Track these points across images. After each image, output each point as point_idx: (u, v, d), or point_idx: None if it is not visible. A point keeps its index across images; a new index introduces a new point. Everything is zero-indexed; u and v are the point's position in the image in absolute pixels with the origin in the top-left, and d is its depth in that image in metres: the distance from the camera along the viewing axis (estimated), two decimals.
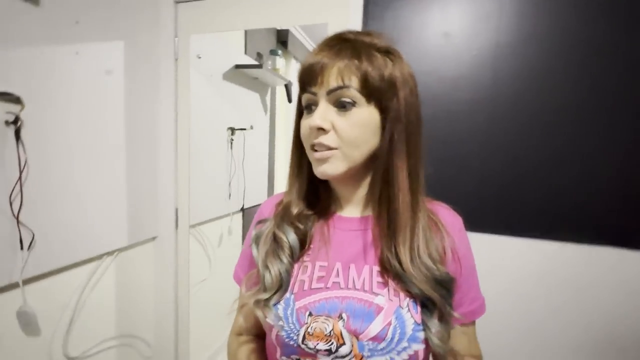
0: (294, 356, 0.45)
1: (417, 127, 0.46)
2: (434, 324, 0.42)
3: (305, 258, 0.48)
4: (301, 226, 0.49)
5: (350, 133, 0.43)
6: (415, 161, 0.46)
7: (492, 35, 0.94)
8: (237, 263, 0.58)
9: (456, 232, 0.49)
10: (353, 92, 0.43)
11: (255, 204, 2.09)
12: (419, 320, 0.43)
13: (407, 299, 0.43)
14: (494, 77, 0.95)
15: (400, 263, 0.43)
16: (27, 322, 0.91)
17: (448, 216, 0.50)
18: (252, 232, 0.52)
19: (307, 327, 0.43)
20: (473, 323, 0.51)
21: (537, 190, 0.93)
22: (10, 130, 0.83)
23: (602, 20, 0.87)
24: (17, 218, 0.85)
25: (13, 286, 0.87)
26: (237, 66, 1.77)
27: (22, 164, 0.86)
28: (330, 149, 0.44)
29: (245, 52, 1.88)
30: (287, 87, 2.22)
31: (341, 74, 0.43)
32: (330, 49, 0.44)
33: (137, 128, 1.21)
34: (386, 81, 0.43)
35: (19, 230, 0.86)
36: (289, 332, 0.44)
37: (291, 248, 0.48)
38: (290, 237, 0.48)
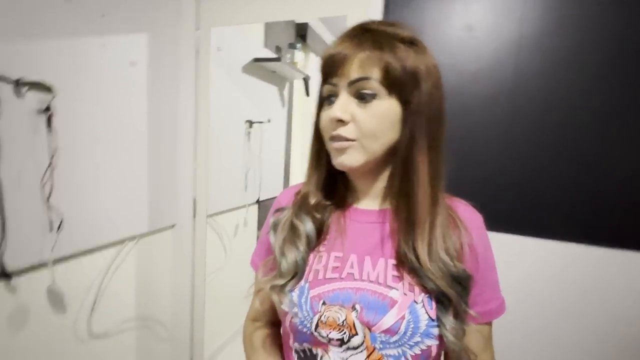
0: (306, 344, 0.46)
1: (439, 121, 0.46)
2: (449, 321, 0.42)
3: (321, 248, 0.49)
4: (318, 216, 0.49)
5: (369, 125, 0.43)
6: (437, 156, 0.45)
7: (515, 28, 0.91)
8: (254, 250, 0.59)
9: (475, 229, 0.48)
10: (374, 83, 0.42)
11: (270, 197, 2.12)
12: (433, 316, 0.42)
13: (422, 294, 0.43)
14: (515, 72, 0.92)
15: (417, 257, 0.43)
16: (56, 300, 0.97)
17: (467, 213, 0.49)
18: (270, 220, 0.53)
19: (321, 316, 0.44)
20: (489, 323, 0.50)
21: (554, 190, 0.91)
22: (42, 118, 0.88)
23: (633, 15, 0.82)
24: (48, 201, 0.90)
25: (43, 265, 0.92)
26: (256, 59, 1.79)
27: (53, 150, 0.90)
28: (349, 140, 0.44)
29: (265, 46, 1.89)
30: (305, 81, 2.22)
31: (362, 65, 0.42)
32: (352, 40, 0.44)
33: (159, 118, 1.25)
34: (408, 73, 0.43)
35: (50, 213, 0.91)
36: (302, 319, 0.45)
37: (308, 237, 0.48)
38: (307, 226, 0.48)
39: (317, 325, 0.44)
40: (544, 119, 0.91)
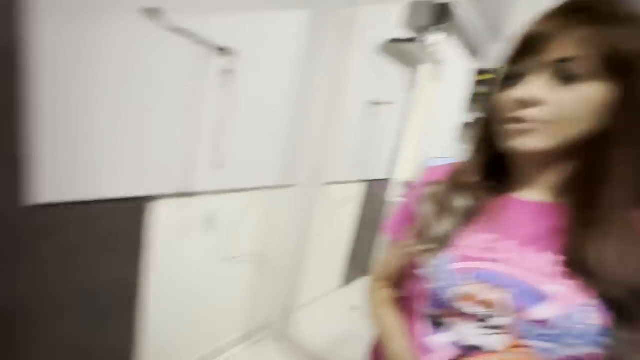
0: (438, 312, 0.48)
1: None
2: (618, 334, 0.38)
3: (473, 226, 0.49)
4: (473, 195, 0.50)
5: (570, 108, 0.40)
6: None
7: None
8: (392, 218, 0.63)
9: None
10: (582, 64, 0.39)
11: (375, 178, 2.15)
12: (599, 324, 0.39)
13: (590, 299, 0.40)
14: None
15: (591, 261, 0.40)
16: (208, 223, 1.23)
17: None
18: (421, 191, 0.56)
19: (463, 288, 0.45)
20: None
21: None
22: (226, 77, 1.09)
23: None
24: (219, 144, 1.13)
25: (206, 193, 1.18)
26: (392, 40, 1.78)
27: (230, 104, 1.11)
28: (537, 122, 0.42)
29: (401, 26, 1.85)
30: (438, 66, 2.11)
31: (572, 45, 0.39)
32: (560, 17, 0.41)
33: (302, 87, 1.40)
34: (626, 56, 0.38)
35: (218, 153, 1.14)
36: (442, 287, 0.47)
37: (460, 212, 0.49)
38: (461, 202, 0.49)
39: (456, 298, 0.45)
40: None
